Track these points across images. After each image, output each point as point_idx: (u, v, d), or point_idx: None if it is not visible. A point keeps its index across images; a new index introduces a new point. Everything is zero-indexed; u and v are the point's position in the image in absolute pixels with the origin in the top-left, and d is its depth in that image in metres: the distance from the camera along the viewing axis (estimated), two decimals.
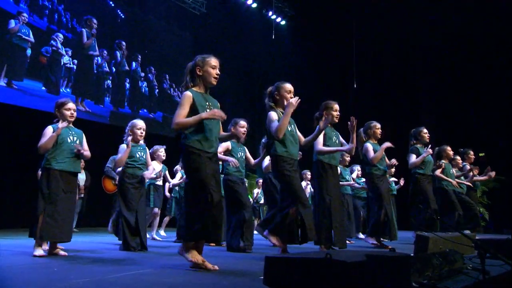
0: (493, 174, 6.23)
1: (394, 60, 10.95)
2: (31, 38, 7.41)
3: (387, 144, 4.62)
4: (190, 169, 2.67)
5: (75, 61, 8.17)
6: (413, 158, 4.97)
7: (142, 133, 4.03)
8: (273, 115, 3.36)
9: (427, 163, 5.01)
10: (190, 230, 2.60)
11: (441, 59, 10.67)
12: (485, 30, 9.68)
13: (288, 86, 3.45)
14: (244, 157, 4.29)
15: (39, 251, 3.22)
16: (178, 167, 5.86)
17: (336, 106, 4.00)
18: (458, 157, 5.95)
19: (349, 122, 3.85)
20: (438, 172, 5.38)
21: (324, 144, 3.90)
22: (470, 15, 9.69)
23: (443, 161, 5.51)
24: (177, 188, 5.94)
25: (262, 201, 7.93)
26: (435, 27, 10.56)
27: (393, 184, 6.96)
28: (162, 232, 6.00)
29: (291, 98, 3.41)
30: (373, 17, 11.11)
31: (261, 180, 6.44)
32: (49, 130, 3.35)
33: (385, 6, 10.58)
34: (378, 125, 4.79)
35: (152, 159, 5.15)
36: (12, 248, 3.80)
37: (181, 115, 2.65)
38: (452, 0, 9.90)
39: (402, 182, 6.91)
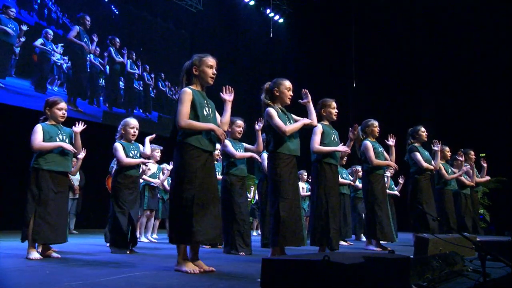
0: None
1: (394, 59, 10.93)
2: (21, 34, 7.21)
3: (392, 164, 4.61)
4: (180, 165, 2.62)
5: (66, 59, 8.02)
6: (418, 156, 4.89)
7: (135, 132, 3.97)
8: (273, 111, 3.31)
9: (427, 162, 4.97)
10: (176, 232, 2.56)
11: (441, 57, 10.67)
12: (486, 29, 9.68)
13: (288, 83, 3.41)
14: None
15: (33, 254, 3.15)
16: (164, 165, 5.79)
17: (334, 104, 3.96)
18: (460, 158, 5.90)
19: (350, 129, 3.85)
20: (445, 174, 5.35)
21: (322, 142, 3.83)
22: (471, 13, 9.69)
23: (440, 162, 5.47)
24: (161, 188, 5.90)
25: None
26: (435, 25, 10.56)
27: (393, 185, 6.92)
28: (155, 235, 5.96)
29: (291, 95, 3.36)
30: (372, 15, 11.10)
31: None
32: (39, 129, 3.28)
33: (384, 4, 10.56)
34: (376, 123, 4.74)
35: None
36: (4, 250, 3.74)
37: (186, 113, 2.62)
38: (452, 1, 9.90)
39: (401, 180, 6.84)
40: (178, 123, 2.61)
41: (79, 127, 3.43)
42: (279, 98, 3.39)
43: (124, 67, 9.17)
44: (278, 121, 3.26)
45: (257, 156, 4.21)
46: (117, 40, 8.98)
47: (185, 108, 2.62)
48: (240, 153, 4.03)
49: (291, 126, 3.31)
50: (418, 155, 4.89)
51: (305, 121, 3.47)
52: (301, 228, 3.29)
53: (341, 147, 3.85)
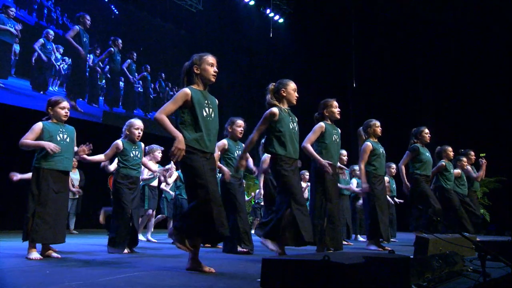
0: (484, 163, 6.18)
1: (394, 58, 10.93)
2: (18, 33, 7.20)
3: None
4: (187, 168, 2.62)
5: (66, 59, 8.02)
6: (404, 157, 4.95)
7: (140, 133, 3.97)
8: (272, 113, 3.28)
9: (426, 163, 4.97)
10: (184, 225, 2.58)
11: (442, 57, 10.67)
12: (487, 29, 9.68)
13: (294, 84, 3.43)
14: None
15: (33, 254, 3.15)
16: (169, 166, 5.81)
17: (335, 103, 3.95)
18: (464, 158, 5.90)
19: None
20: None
21: (323, 142, 3.81)
22: (471, 14, 9.69)
23: (443, 160, 5.48)
24: (167, 188, 5.93)
25: (263, 202, 7.89)
26: (436, 26, 10.56)
27: (393, 185, 6.92)
28: (149, 235, 5.95)
29: (297, 96, 3.41)
30: (372, 15, 11.10)
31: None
32: (38, 126, 3.28)
33: (384, 4, 10.56)
34: (378, 123, 4.72)
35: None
36: (4, 250, 3.74)
37: (169, 110, 2.63)
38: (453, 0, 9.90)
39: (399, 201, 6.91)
40: (156, 114, 2.64)
41: (83, 152, 3.48)
42: (286, 99, 3.39)
43: (124, 67, 9.16)
44: (258, 126, 3.27)
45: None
46: (119, 41, 8.97)
47: (171, 106, 2.63)
48: (218, 164, 3.95)
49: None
50: (407, 155, 4.94)
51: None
52: (310, 226, 3.28)
53: (326, 167, 3.68)
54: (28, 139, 3.23)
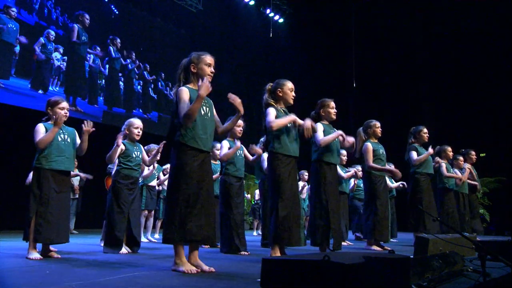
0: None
1: (394, 59, 10.94)
2: (18, 34, 7.22)
3: (394, 172, 4.61)
4: (176, 166, 2.61)
5: (66, 59, 8.02)
6: (414, 155, 4.91)
7: (139, 132, 3.97)
8: (272, 111, 3.31)
9: (427, 162, 4.98)
10: (171, 231, 2.54)
11: (442, 57, 10.67)
12: (486, 29, 9.69)
13: (291, 84, 3.43)
14: (243, 155, 4.26)
15: (34, 254, 3.15)
16: (167, 166, 5.81)
17: (332, 104, 3.95)
18: (460, 158, 5.93)
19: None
20: (444, 171, 5.37)
21: None
22: (471, 14, 9.70)
23: (443, 161, 5.48)
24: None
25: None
26: (436, 26, 10.57)
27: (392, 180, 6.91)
28: (156, 235, 5.96)
29: (293, 96, 3.40)
30: (372, 15, 11.10)
31: None
32: (41, 128, 3.28)
33: (385, 5, 10.56)
34: (378, 124, 4.74)
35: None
36: (4, 250, 3.73)
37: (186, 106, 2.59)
38: (453, 0, 9.91)
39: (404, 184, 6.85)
40: (182, 120, 2.57)
41: (88, 127, 3.37)
42: (282, 99, 3.39)
43: (121, 64, 9.14)
44: (269, 117, 3.25)
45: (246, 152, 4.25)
46: (118, 40, 8.97)
47: (186, 106, 2.60)
48: (224, 153, 4.00)
49: (278, 121, 3.22)
50: (413, 153, 4.91)
51: (293, 117, 3.40)
52: (299, 228, 3.28)
53: (339, 132, 3.77)
54: (40, 138, 3.22)
